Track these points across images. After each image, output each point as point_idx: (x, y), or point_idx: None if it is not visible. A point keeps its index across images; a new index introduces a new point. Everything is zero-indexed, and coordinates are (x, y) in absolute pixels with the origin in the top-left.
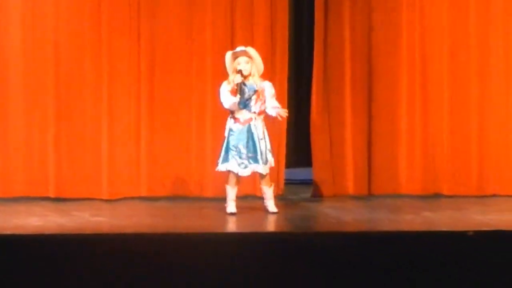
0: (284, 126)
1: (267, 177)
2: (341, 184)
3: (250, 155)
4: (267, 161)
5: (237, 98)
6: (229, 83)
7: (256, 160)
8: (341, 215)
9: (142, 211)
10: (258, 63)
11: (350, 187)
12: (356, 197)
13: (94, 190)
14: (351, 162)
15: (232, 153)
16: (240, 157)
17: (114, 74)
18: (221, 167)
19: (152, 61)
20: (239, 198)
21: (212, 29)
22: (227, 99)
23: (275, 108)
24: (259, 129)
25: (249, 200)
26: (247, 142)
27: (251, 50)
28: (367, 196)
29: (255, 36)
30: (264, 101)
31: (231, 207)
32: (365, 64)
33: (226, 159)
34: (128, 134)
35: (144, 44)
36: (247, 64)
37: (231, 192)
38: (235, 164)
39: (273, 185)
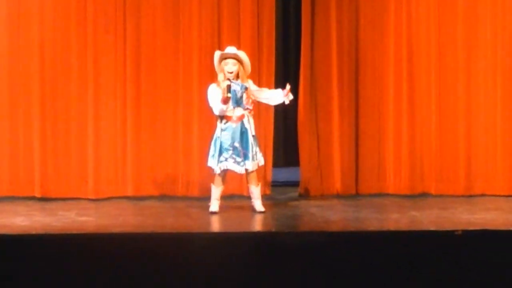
0: (271, 125)
1: (255, 176)
2: (328, 184)
3: (244, 151)
4: (256, 158)
5: (226, 105)
6: (218, 84)
7: (247, 157)
8: (328, 214)
9: (128, 211)
10: (246, 66)
11: (338, 186)
12: (343, 197)
13: (80, 189)
14: (339, 161)
15: (228, 153)
16: (238, 155)
17: (100, 72)
18: (217, 168)
19: (138, 59)
20: (226, 197)
21: (198, 28)
22: (217, 105)
23: (278, 93)
24: (252, 125)
25: (236, 199)
26: (241, 139)
27: (241, 54)
28: (354, 196)
29: (241, 35)
30: (252, 100)
31: (213, 206)
32: (352, 62)
33: (220, 161)
34: (114, 133)
35: (130, 42)
36: (234, 66)
37: (216, 192)
38: (233, 163)
39: (260, 184)
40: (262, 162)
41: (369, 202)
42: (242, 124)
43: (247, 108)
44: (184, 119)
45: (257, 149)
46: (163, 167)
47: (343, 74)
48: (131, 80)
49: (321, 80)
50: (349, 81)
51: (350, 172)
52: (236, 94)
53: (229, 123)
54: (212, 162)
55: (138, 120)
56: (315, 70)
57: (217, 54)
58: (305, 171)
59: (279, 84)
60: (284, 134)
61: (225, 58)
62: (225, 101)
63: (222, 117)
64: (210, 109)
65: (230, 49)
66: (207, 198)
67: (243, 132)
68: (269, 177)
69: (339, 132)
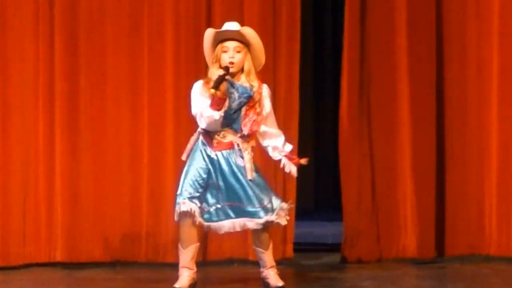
0: (294, 146)
1: (263, 235)
2: (391, 241)
3: (228, 203)
4: (269, 208)
5: (220, 112)
6: (207, 83)
7: (244, 212)
8: None
9: (57, 287)
10: (257, 52)
11: (408, 245)
12: (418, 262)
13: None
14: (409, 203)
15: (192, 186)
16: (214, 200)
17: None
18: (179, 206)
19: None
20: (222, 262)
21: None
22: (205, 112)
23: (287, 156)
24: (246, 160)
25: (238, 266)
26: (220, 181)
27: (247, 31)
28: (436, 260)
29: (246, 4)
30: (259, 119)
31: (182, 280)
32: (430, 41)
33: (183, 195)
34: (33, 153)
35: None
36: (238, 54)
37: (186, 254)
38: (194, 205)
39: (271, 246)
40: (283, 216)
41: (459, 271)
42: (227, 158)
43: (243, 135)
44: (152, 133)
45: (266, 196)
46: (117, 214)
47: (414, 61)
48: (60, 52)
49: (378, 72)
50: (425, 73)
51: (427, 222)
52: (232, 102)
53: (205, 148)
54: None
55: (74, 132)
56: (367, 53)
57: (210, 33)
58: (351, 222)
59: (306, 77)
60: (316, 162)
61: (223, 40)
62: (217, 103)
63: (203, 132)
64: (195, 120)
65: (231, 25)
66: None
67: (224, 172)
68: (291, 233)
69: (410, 157)
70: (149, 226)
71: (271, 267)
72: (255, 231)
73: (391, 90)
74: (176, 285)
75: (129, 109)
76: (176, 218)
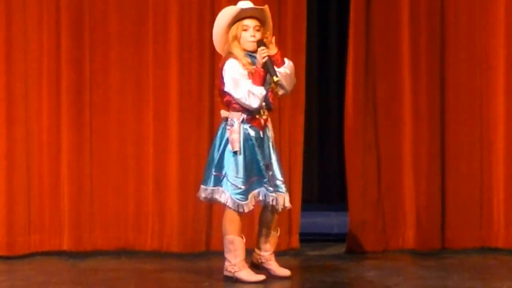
0: (300, 137)
1: (276, 216)
2: (396, 232)
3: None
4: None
5: (264, 87)
6: (239, 60)
7: (279, 187)
8: (394, 282)
9: (62, 276)
10: (268, 31)
11: (411, 236)
12: (421, 253)
13: None
14: (413, 195)
15: (254, 176)
16: (269, 181)
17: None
18: (249, 204)
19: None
20: (220, 252)
21: None
22: (256, 90)
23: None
24: (271, 129)
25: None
26: (270, 158)
27: (268, 10)
28: (439, 252)
29: None
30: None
31: (244, 271)
32: (434, 38)
33: (245, 194)
34: (38, 142)
35: None
36: (257, 33)
37: (242, 245)
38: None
39: (279, 231)
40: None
41: (464, 262)
42: (266, 133)
43: (271, 108)
44: (157, 123)
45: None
46: (122, 203)
47: (419, 54)
48: (67, 43)
49: (383, 65)
50: (429, 66)
51: (433, 214)
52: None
53: (253, 130)
54: (235, 189)
55: (79, 122)
56: (373, 46)
57: (233, 10)
58: (356, 213)
59: (312, 70)
60: (321, 156)
61: (242, 18)
62: (263, 79)
63: (247, 118)
64: (236, 100)
65: (246, 4)
66: (193, 255)
67: (268, 148)
68: (297, 224)
69: (413, 147)
70: (154, 216)
71: (273, 253)
72: (273, 209)
73: (396, 83)
74: (259, 277)
75: (134, 100)
76: (237, 208)
